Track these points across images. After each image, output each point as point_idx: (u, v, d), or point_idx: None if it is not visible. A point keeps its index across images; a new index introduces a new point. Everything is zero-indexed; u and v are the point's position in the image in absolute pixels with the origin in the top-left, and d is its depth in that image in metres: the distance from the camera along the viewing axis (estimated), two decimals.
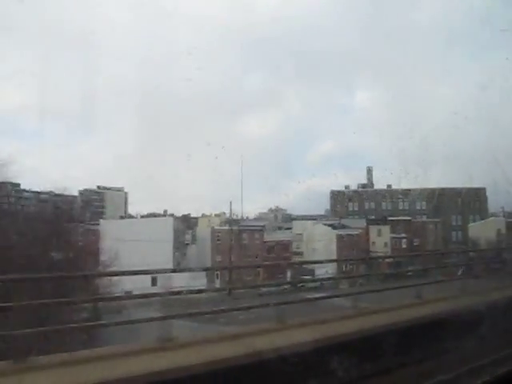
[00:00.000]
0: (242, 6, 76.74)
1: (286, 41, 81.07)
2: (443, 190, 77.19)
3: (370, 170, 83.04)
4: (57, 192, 41.57)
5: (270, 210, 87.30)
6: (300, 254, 58.36)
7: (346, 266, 53.94)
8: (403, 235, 63.51)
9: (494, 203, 52.10)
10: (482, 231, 60.63)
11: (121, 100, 72.08)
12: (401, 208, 78.90)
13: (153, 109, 71.34)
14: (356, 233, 56.95)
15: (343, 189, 79.82)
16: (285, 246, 50.62)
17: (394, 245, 62.88)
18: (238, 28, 78.36)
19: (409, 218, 66.61)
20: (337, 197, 78.90)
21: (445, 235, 65.78)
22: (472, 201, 78.28)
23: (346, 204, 79.22)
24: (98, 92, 57.64)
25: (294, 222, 66.21)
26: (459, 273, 13.60)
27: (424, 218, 72.14)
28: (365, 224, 63.91)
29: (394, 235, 63.39)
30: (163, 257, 36.02)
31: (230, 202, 48.44)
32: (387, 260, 56.83)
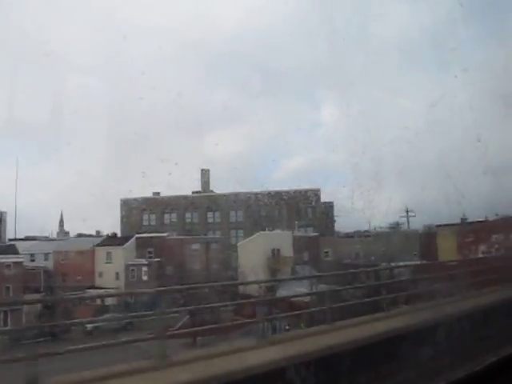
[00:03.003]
0: (205, 21, 71.46)
1: (250, 56, 77.28)
2: (272, 194, 57.32)
3: (205, 173, 62.22)
4: None
5: None
6: None
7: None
8: (150, 260, 43.30)
9: (446, 216, 39.89)
10: (251, 252, 40.76)
11: (78, 121, 62.98)
12: (210, 221, 58.89)
13: (109, 129, 61.22)
14: (20, 260, 36.74)
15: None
16: None
17: (131, 276, 42.72)
18: (200, 43, 72.66)
19: (165, 234, 46.59)
20: (128, 206, 58.87)
21: (224, 258, 45.41)
22: (303, 207, 58.14)
23: (140, 215, 59.18)
24: (53, 111, 49.12)
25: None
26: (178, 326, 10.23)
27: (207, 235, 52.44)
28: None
29: (134, 261, 43.24)
30: None
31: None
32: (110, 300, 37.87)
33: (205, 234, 54.63)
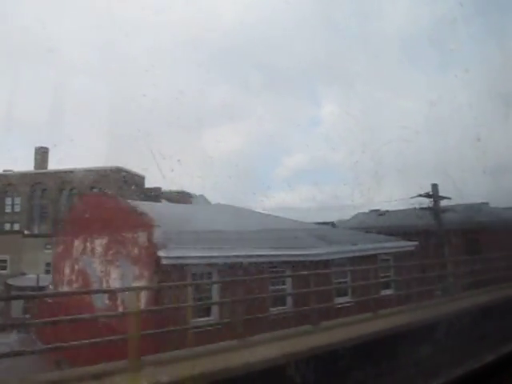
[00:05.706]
0: (204, 18, 72.81)
1: (251, 53, 77.76)
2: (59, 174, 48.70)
3: (40, 151, 53.85)
4: None
5: None
6: None
7: None
8: None
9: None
10: None
11: (80, 118, 70.84)
12: (8, 211, 51.47)
13: (112, 126, 67.73)
14: None
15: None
16: None
17: None
18: (200, 40, 71.61)
19: None
20: None
21: None
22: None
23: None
24: (54, 108, 54.58)
25: None
26: None
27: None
28: None
29: None
30: None
31: None
32: None
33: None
